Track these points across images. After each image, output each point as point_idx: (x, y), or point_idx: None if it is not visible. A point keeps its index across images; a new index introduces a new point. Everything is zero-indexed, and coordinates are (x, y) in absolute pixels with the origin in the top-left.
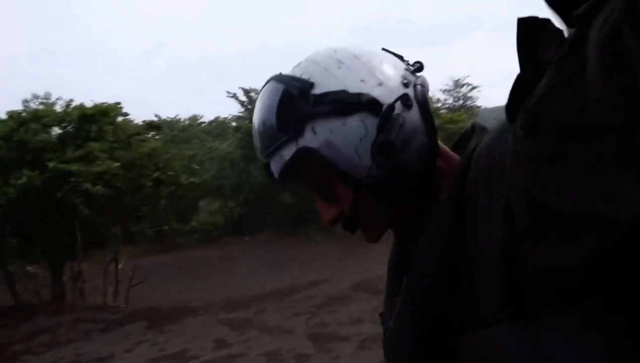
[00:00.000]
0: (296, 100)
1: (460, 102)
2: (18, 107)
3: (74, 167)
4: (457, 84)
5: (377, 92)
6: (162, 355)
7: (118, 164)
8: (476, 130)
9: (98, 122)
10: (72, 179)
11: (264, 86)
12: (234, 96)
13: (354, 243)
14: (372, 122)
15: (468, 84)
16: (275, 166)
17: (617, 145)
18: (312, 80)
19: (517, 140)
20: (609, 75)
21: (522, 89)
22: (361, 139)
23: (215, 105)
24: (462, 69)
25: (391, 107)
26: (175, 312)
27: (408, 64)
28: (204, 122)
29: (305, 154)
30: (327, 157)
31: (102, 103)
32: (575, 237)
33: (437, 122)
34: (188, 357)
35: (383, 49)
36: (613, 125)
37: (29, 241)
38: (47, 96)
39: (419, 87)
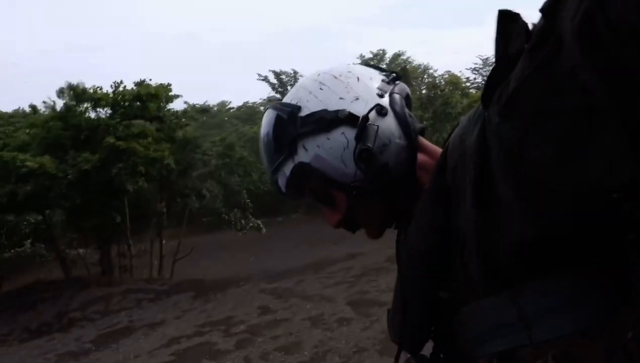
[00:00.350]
0: (287, 123)
1: None
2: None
3: (131, 145)
4: (486, 63)
5: (354, 106)
6: (209, 321)
7: (168, 145)
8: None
9: (148, 102)
10: (124, 159)
11: (265, 110)
12: (265, 79)
13: None
14: (351, 133)
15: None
16: (281, 181)
17: (601, 121)
18: (299, 103)
19: (493, 125)
20: (590, 57)
21: (497, 78)
22: (344, 149)
23: (242, 91)
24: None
25: (365, 118)
26: (219, 283)
27: (386, 75)
28: (233, 108)
29: (301, 168)
30: (318, 169)
31: (152, 84)
32: (552, 205)
33: (466, 101)
34: (235, 322)
35: (365, 64)
36: (599, 103)
37: (79, 219)
38: (81, 85)
39: (394, 95)
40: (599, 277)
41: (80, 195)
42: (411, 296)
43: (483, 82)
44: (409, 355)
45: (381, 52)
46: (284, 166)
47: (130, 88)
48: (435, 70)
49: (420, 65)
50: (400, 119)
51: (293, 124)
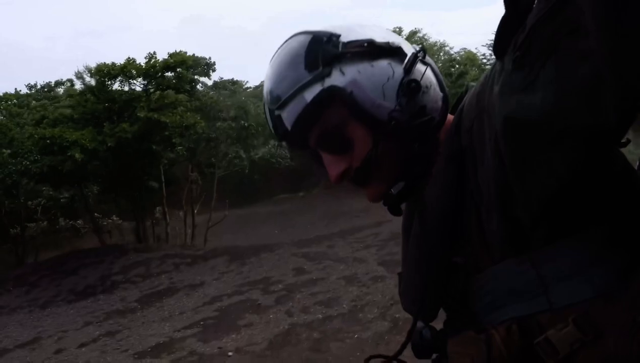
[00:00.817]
0: (325, 44)
1: None
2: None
3: (164, 118)
4: None
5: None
6: (247, 282)
7: (198, 116)
8: (469, 90)
9: (178, 70)
10: (159, 130)
11: (288, 38)
12: None
13: None
14: (398, 66)
15: None
16: (292, 112)
17: (607, 66)
18: (339, 32)
19: (506, 74)
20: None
21: (508, 28)
22: (388, 79)
23: (254, 71)
24: None
25: (415, 54)
26: (252, 249)
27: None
28: (250, 87)
29: (330, 93)
30: (353, 95)
31: (181, 52)
32: (556, 150)
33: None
34: (272, 282)
35: None
36: (603, 48)
37: (117, 189)
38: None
39: (424, 54)
40: (618, 241)
41: (118, 165)
42: (426, 263)
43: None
44: (422, 325)
45: (398, 29)
46: (307, 90)
47: (162, 59)
48: (452, 48)
49: (436, 42)
50: (436, 73)
51: (334, 45)
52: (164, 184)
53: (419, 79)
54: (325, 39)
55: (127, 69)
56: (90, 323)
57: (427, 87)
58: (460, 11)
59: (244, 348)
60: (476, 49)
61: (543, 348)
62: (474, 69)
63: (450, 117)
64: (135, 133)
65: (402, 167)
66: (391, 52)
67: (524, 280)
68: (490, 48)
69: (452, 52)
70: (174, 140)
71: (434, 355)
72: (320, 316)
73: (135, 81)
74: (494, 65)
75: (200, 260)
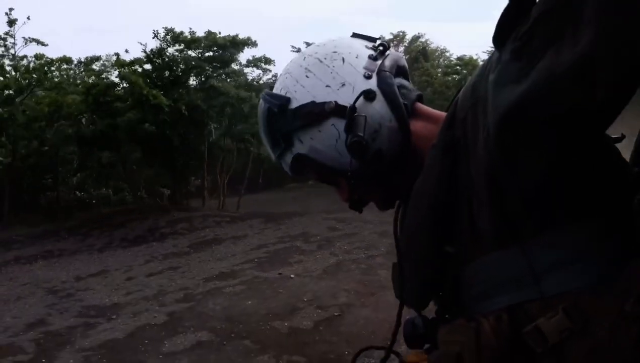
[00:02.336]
0: (278, 117)
1: None
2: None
3: (226, 85)
4: None
5: (340, 94)
6: (287, 235)
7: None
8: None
9: (238, 49)
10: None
11: (260, 102)
12: (299, 51)
13: None
14: (341, 124)
15: None
16: (285, 167)
17: (600, 41)
18: (288, 94)
19: (503, 64)
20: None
21: (510, 19)
22: (336, 140)
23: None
24: None
25: (352, 108)
26: (283, 214)
27: (374, 47)
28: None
29: (300, 159)
30: (316, 159)
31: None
32: (545, 132)
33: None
34: (310, 235)
35: (353, 35)
36: (598, 23)
37: (157, 154)
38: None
39: (382, 73)
40: (609, 232)
41: (169, 130)
42: (417, 253)
43: None
44: (414, 314)
45: (401, 33)
46: (285, 156)
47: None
48: (452, 54)
49: (438, 47)
50: (389, 99)
51: (284, 118)
52: (206, 151)
53: (361, 133)
54: (277, 110)
55: (189, 39)
56: (150, 261)
57: (375, 131)
58: (459, 24)
59: (302, 273)
60: (477, 55)
61: (532, 337)
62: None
63: (435, 114)
64: (195, 100)
65: (386, 194)
66: (331, 113)
67: (514, 270)
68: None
69: (452, 58)
70: (226, 110)
71: (426, 346)
72: (363, 255)
73: (193, 52)
74: (490, 56)
75: (238, 220)
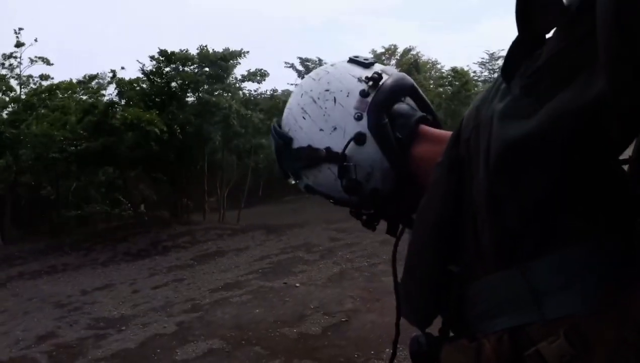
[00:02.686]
0: (283, 154)
1: (496, 74)
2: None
3: (221, 100)
4: (493, 57)
5: (333, 139)
6: (289, 246)
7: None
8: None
9: (231, 63)
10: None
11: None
12: (292, 66)
13: None
14: (335, 168)
15: (503, 57)
16: (302, 188)
17: (611, 83)
18: (290, 133)
19: (512, 99)
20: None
21: (520, 52)
22: (335, 180)
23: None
24: (498, 44)
25: (342, 157)
26: (284, 226)
27: (368, 80)
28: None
29: (311, 188)
30: (323, 192)
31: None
32: (548, 161)
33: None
34: (312, 245)
35: (349, 60)
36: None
37: (156, 170)
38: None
39: (373, 113)
40: (611, 255)
41: (169, 146)
42: (421, 271)
43: (489, 76)
44: (418, 333)
45: (392, 47)
46: (299, 183)
47: (212, 51)
48: (443, 66)
49: (429, 59)
50: (380, 141)
51: (289, 156)
52: (206, 164)
53: (354, 176)
54: (282, 148)
55: (182, 57)
56: (155, 274)
57: (368, 174)
58: (449, 35)
59: (306, 282)
60: (467, 65)
61: (533, 360)
62: (465, 87)
63: (440, 134)
64: (189, 117)
65: (393, 219)
66: (326, 158)
67: (515, 291)
68: (483, 66)
69: (443, 71)
70: (231, 122)
71: None
72: (365, 263)
73: (188, 69)
74: (495, 82)
75: (239, 232)
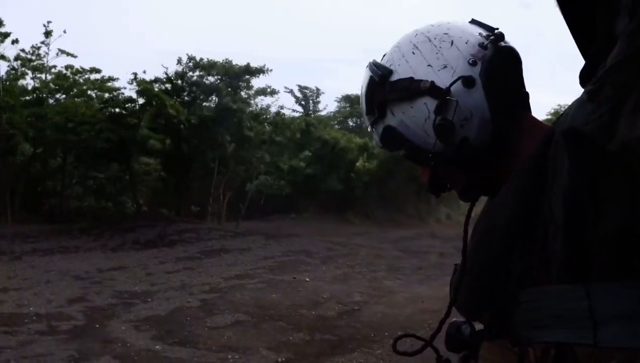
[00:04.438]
0: (377, 86)
1: None
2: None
3: (240, 106)
4: None
5: (440, 75)
6: (290, 251)
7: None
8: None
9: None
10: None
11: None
12: (291, 92)
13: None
14: (433, 104)
15: None
16: (376, 136)
17: None
18: (392, 66)
19: (580, 102)
20: None
21: (597, 57)
22: (425, 120)
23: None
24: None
25: (445, 91)
26: (281, 234)
27: (488, 36)
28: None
29: (389, 131)
30: (403, 134)
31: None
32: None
33: None
34: (311, 252)
35: (472, 20)
36: None
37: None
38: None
39: (489, 63)
40: None
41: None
42: (481, 262)
43: None
44: (463, 320)
45: None
46: (377, 125)
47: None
48: None
49: None
50: (489, 90)
51: (383, 88)
52: (216, 167)
53: (450, 117)
54: (377, 80)
55: (208, 65)
56: (165, 262)
57: (465, 118)
58: None
59: (315, 279)
60: None
61: None
62: None
63: (541, 125)
64: (209, 117)
65: (465, 183)
66: (425, 91)
67: (574, 308)
68: None
69: None
70: (243, 124)
71: (463, 352)
72: (366, 269)
73: (211, 78)
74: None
75: (240, 236)
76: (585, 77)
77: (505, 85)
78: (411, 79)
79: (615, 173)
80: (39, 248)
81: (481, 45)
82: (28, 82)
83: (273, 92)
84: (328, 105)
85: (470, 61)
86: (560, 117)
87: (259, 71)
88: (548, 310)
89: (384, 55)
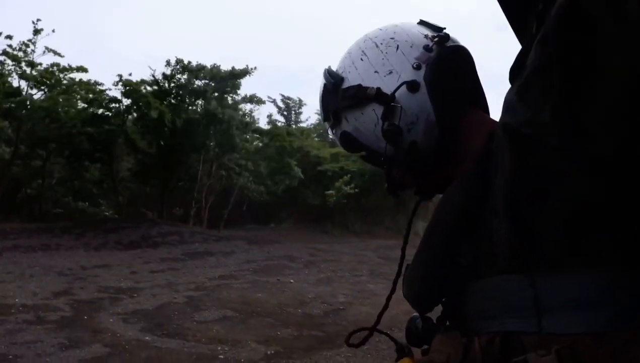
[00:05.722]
0: (330, 95)
1: None
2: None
3: (228, 111)
4: None
5: (385, 81)
6: (273, 256)
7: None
8: None
9: (235, 80)
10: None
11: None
12: (274, 101)
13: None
14: (380, 110)
15: None
16: (336, 140)
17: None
18: (343, 74)
19: (510, 100)
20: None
21: (522, 58)
22: (375, 125)
23: None
24: None
25: (390, 97)
26: (264, 240)
27: (432, 37)
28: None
29: (346, 135)
30: (358, 139)
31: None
32: (573, 173)
33: None
34: (294, 257)
35: (420, 21)
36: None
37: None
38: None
39: (433, 65)
40: (626, 283)
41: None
42: (429, 257)
43: None
44: (416, 314)
45: None
46: (334, 129)
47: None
48: None
49: None
50: (433, 93)
51: (335, 96)
52: (200, 170)
53: (396, 122)
54: (330, 88)
55: (195, 68)
56: (149, 262)
57: (412, 123)
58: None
59: (299, 281)
60: None
61: None
62: None
63: (490, 119)
64: (195, 120)
65: (418, 184)
66: (372, 98)
67: (520, 298)
68: None
69: None
70: (232, 132)
71: (425, 346)
72: (348, 274)
73: (200, 82)
74: None
75: (223, 240)
76: (514, 74)
77: (451, 85)
78: (359, 86)
79: (555, 161)
80: (20, 245)
81: (426, 47)
82: (14, 78)
83: (260, 101)
84: (310, 116)
85: (415, 65)
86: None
87: (244, 73)
88: (495, 301)
89: (339, 61)
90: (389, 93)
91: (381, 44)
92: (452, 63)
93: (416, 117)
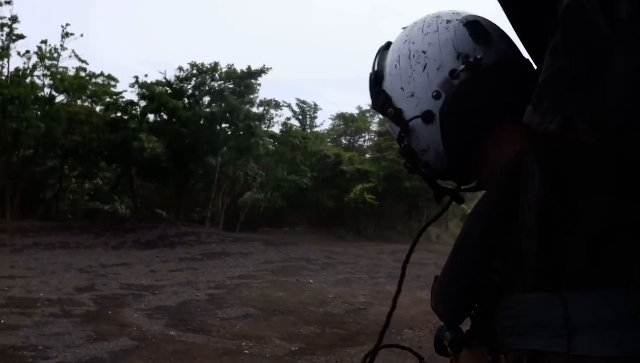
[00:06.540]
0: (373, 86)
1: None
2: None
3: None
4: None
5: (407, 103)
6: (290, 257)
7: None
8: None
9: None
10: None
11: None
12: (289, 106)
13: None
14: (397, 129)
15: None
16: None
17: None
18: (384, 71)
19: (529, 114)
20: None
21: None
22: (397, 137)
23: None
24: None
25: (404, 127)
26: (280, 242)
27: (466, 60)
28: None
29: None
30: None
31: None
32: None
33: None
34: (310, 259)
35: (466, 23)
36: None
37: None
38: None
39: (449, 97)
40: None
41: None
42: (461, 270)
43: None
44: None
45: None
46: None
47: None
48: None
49: None
50: (445, 127)
51: (376, 92)
52: (217, 173)
53: (411, 145)
54: (373, 81)
55: (209, 70)
56: (167, 261)
57: (423, 150)
58: None
59: (318, 281)
60: None
61: None
62: None
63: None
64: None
65: (434, 189)
66: (393, 119)
67: (549, 317)
68: None
69: None
70: (252, 130)
71: (451, 357)
72: (366, 276)
73: (215, 83)
74: None
75: (240, 241)
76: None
77: (470, 115)
78: (387, 98)
79: (580, 174)
80: (39, 243)
81: (452, 73)
82: (41, 80)
83: (277, 105)
84: (325, 121)
85: (434, 94)
86: None
87: (261, 72)
88: (525, 318)
89: (391, 47)
90: (406, 119)
91: (413, 56)
92: (478, 88)
93: (427, 146)
